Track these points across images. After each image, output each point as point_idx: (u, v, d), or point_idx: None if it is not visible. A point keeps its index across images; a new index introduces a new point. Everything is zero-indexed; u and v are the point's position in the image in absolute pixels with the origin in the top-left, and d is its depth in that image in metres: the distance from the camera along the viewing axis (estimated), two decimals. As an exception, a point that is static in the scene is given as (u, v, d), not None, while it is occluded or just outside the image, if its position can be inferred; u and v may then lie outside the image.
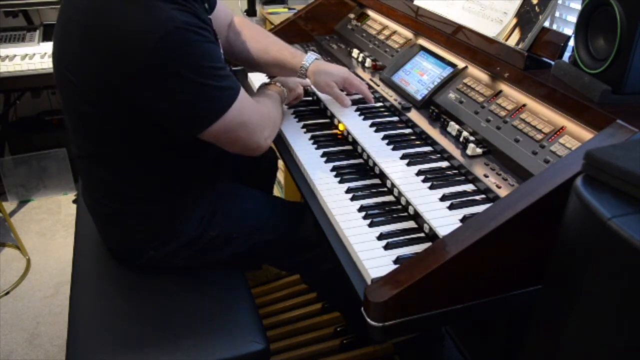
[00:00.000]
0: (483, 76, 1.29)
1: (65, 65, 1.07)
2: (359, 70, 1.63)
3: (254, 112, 1.14)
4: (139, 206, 1.20)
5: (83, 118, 1.11)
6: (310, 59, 1.44)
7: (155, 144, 1.12)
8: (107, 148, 1.13)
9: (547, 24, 1.22)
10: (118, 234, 1.26)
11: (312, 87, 1.48)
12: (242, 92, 1.10)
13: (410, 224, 1.05)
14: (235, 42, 1.46)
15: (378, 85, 1.51)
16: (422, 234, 1.02)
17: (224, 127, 1.07)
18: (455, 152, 1.18)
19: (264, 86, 1.39)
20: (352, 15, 1.93)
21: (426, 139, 1.28)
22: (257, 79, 1.70)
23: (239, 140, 1.12)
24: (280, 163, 2.34)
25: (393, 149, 1.24)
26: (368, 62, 1.63)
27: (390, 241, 0.99)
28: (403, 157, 1.21)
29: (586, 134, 1.00)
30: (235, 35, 1.46)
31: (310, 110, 1.53)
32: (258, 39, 1.47)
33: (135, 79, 0.98)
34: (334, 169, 1.23)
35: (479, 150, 1.14)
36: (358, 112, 1.41)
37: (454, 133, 1.23)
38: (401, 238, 1.00)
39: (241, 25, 1.48)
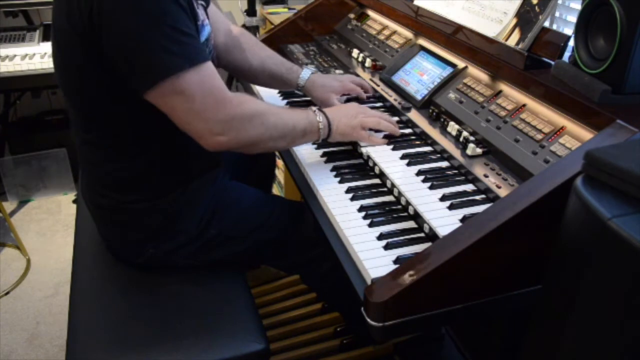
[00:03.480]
0: (483, 76, 1.29)
1: (56, 32, 1.08)
2: (359, 70, 1.63)
3: (212, 102, 1.02)
4: (139, 201, 1.20)
5: (77, 102, 1.12)
6: (306, 74, 1.45)
7: (149, 122, 1.11)
8: (104, 126, 1.14)
9: (547, 24, 1.22)
10: (118, 230, 1.26)
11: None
12: (204, 68, 1.01)
13: (410, 224, 1.05)
14: (234, 53, 1.47)
15: (378, 85, 1.51)
16: (422, 234, 1.02)
17: (162, 95, 1.01)
18: (455, 152, 1.18)
19: (305, 111, 1.22)
20: (352, 15, 1.93)
21: (426, 139, 1.28)
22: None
23: (178, 116, 1.04)
24: (280, 163, 2.34)
25: (393, 149, 1.25)
26: (368, 62, 1.63)
27: (390, 241, 0.99)
28: (403, 157, 1.21)
29: (586, 134, 1.00)
30: (234, 47, 1.47)
31: (310, 110, 1.53)
32: (256, 51, 1.48)
33: (95, 17, 0.97)
34: (334, 168, 1.23)
35: (479, 150, 1.14)
36: (358, 112, 1.41)
37: (454, 133, 1.23)
38: (401, 238, 1.00)
39: (240, 36, 1.49)
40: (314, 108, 1.22)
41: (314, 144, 1.33)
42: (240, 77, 1.58)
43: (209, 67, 1.03)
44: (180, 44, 0.98)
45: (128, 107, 1.07)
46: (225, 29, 1.46)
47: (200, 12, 1.15)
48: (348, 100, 1.45)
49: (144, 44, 0.97)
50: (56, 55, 1.12)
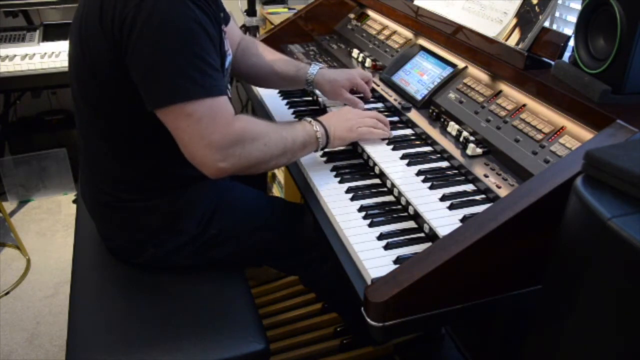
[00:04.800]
0: (483, 76, 1.29)
1: (81, 30, 1.09)
2: (359, 70, 1.63)
3: (217, 129, 1.02)
4: (140, 200, 1.20)
5: (90, 97, 1.13)
6: (314, 69, 1.46)
7: (156, 125, 1.11)
8: (113, 124, 1.14)
9: (547, 24, 1.22)
10: (118, 230, 1.26)
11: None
12: (218, 99, 1.03)
13: (410, 224, 1.05)
14: (243, 59, 1.49)
15: (378, 85, 1.51)
16: (422, 234, 1.02)
17: (175, 117, 1.02)
18: (455, 152, 1.18)
19: (301, 123, 1.22)
20: (352, 15, 1.93)
21: (426, 139, 1.28)
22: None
23: (183, 139, 1.04)
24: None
25: (393, 149, 1.25)
26: (368, 62, 1.63)
27: (390, 241, 0.99)
28: (403, 157, 1.21)
29: (586, 134, 1.00)
30: (243, 52, 1.49)
31: (310, 111, 1.53)
32: (265, 55, 1.50)
33: (127, 26, 0.98)
34: (334, 169, 1.23)
35: (479, 150, 1.14)
36: (358, 112, 1.41)
37: (454, 133, 1.23)
38: (401, 238, 1.00)
39: (249, 43, 1.52)
40: (309, 119, 1.23)
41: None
42: (252, 81, 1.59)
43: (223, 99, 1.05)
44: (202, 73, 1.00)
45: (140, 109, 1.08)
46: (238, 39, 1.49)
47: (226, 42, 1.17)
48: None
49: (168, 65, 0.98)
50: (77, 52, 1.12)
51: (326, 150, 1.30)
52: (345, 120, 1.25)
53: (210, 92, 1.01)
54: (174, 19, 0.97)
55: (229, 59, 1.20)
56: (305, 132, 1.19)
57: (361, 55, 1.67)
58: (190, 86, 0.99)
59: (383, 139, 1.28)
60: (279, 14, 2.75)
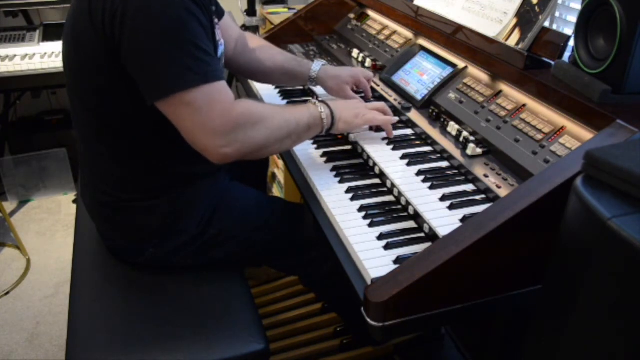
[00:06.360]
0: (483, 76, 1.29)
1: (74, 30, 1.08)
2: (359, 70, 1.63)
3: (218, 115, 1.02)
4: (140, 200, 1.20)
5: (86, 97, 1.13)
6: (317, 65, 1.46)
7: (156, 123, 1.11)
8: (112, 125, 1.14)
9: (547, 24, 1.22)
10: (119, 230, 1.26)
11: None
12: (216, 84, 1.02)
13: (410, 224, 1.05)
14: (243, 55, 1.48)
15: (378, 85, 1.52)
16: (422, 234, 1.02)
17: (172, 106, 1.02)
18: (455, 152, 1.18)
19: (305, 105, 1.21)
20: (352, 15, 1.93)
21: (426, 139, 1.28)
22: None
23: (185, 128, 1.05)
24: (280, 163, 2.34)
25: (393, 149, 1.25)
26: (368, 62, 1.63)
27: (390, 241, 0.99)
28: (403, 157, 1.21)
29: (586, 134, 1.00)
30: (243, 48, 1.49)
31: (310, 110, 1.53)
32: (265, 50, 1.50)
33: (117, 21, 0.98)
34: (334, 168, 1.23)
35: (479, 150, 1.14)
36: (358, 112, 1.41)
37: (454, 133, 1.23)
38: (401, 238, 1.00)
39: (248, 38, 1.51)
40: (314, 100, 1.22)
41: (314, 143, 1.33)
42: (252, 77, 1.59)
43: (221, 84, 1.04)
44: (197, 60, 1.00)
45: (137, 108, 1.08)
46: (236, 35, 1.48)
47: (218, 32, 1.17)
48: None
49: (163, 56, 0.98)
50: (70, 51, 1.12)
51: (326, 150, 1.30)
52: (352, 108, 1.25)
53: (207, 78, 1.01)
54: (163, 9, 0.97)
55: (221, 48, 1.19)
56: (310, 114, 1.18)
57: (361, 55, 1.67)
58: (187, 74, 0.99)
59: (383, 139, 1.28)
60: (279, 14, 2.75)
